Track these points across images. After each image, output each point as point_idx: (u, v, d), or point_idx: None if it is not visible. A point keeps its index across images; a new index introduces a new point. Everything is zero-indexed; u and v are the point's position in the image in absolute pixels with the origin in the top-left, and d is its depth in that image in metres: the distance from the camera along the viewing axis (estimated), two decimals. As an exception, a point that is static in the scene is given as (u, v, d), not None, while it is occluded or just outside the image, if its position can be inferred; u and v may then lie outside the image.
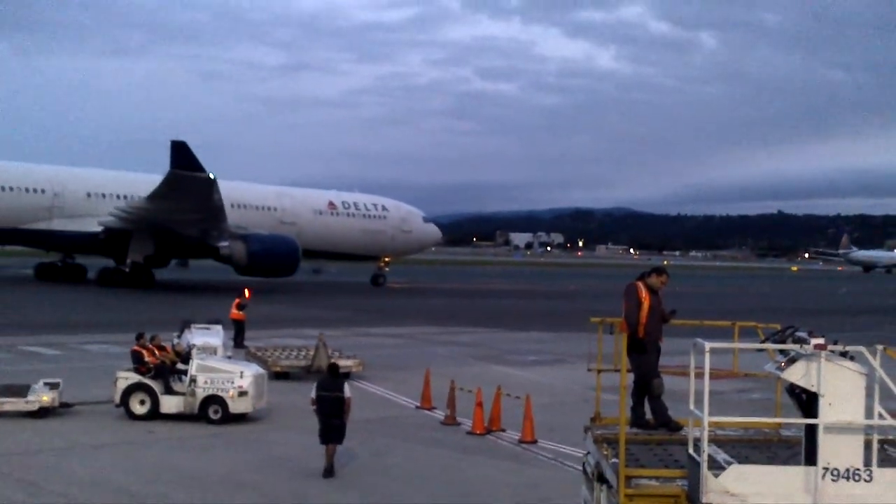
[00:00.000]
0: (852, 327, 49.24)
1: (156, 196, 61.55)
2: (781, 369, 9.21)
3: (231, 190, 68.89)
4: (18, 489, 16.08)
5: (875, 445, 9.03)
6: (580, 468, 13.04)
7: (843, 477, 8.72)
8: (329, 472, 17.94)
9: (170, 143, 57.82)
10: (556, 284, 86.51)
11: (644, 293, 13.48)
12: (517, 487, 17.78)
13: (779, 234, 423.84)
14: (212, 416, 21.94)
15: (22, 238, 69.40)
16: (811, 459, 8.88)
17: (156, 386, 22.22)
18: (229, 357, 25.64)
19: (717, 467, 9.17)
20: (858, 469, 8.75)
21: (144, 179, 66.68)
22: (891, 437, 10.76)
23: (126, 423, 21.72)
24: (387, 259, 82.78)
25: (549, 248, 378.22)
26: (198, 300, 56.19)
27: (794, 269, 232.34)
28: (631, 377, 12.98)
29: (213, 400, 22.02)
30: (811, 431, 8.99)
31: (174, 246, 68.88)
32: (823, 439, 8.71)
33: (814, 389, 8.85)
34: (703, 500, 8.79)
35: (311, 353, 29.55)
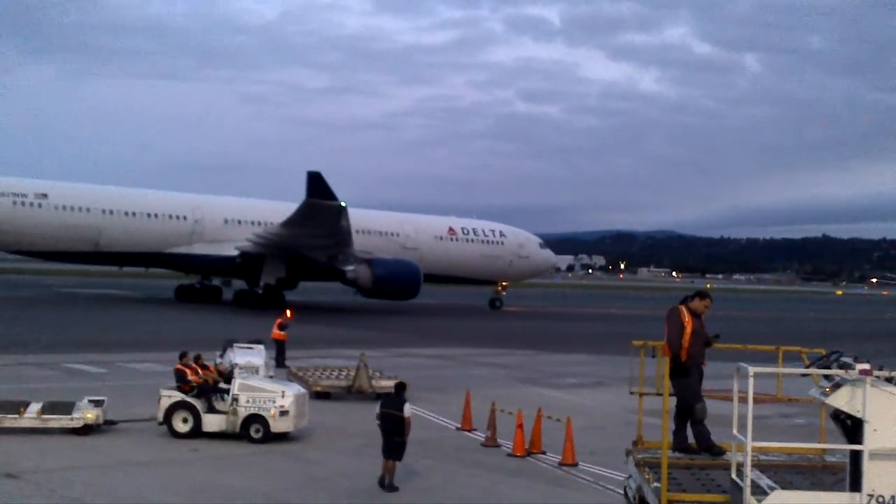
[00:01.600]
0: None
1: (290, 223, 64.61)
2: (826, 394, 9.14)
3: (357, 216, 71.07)
4: (63, 505, 16.24)
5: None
6: (621, 492, 13.00)
7: (888, 504, 8.62)
8: (382, 482, 18.21)
9: (306, 174, 60.63)
10: (597, 307, 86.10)
11: (687, 317, 13.43)
12: (558, 510, 17.68)
13: (823, 257, 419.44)
14: (253, 434, 22.05)
15: (165, 261, 73.00)
16: (856, 486, 8.79)
17: (198, 404, 22.37)
18: (271, 376, 25.82)
19: (760, 493, 9.10)
20: (904, 496, 8.64)
21: (275, 207, 70.12)
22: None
23: (169, 441, 21.88)
24: (504, 284, 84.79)
25: (590, 271, 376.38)
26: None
27: (839, 292, 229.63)
28: (673, 401, 12.92)
29: (255, 419, 22.13)
30: (856, 457, 8.90)
31: (304, 270, 71.21)
32: (868, 466, 8.62)
33: (859, 415, 8.76)
34: (746, 526, 8.73)
35: (353, 373, 29.64)
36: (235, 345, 27.60)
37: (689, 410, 13.14)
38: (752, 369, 8.97)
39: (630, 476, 11.92)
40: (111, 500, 16.69)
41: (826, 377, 9.45)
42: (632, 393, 13.88)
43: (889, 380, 8.92)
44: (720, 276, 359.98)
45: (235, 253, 69.09)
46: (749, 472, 8.81)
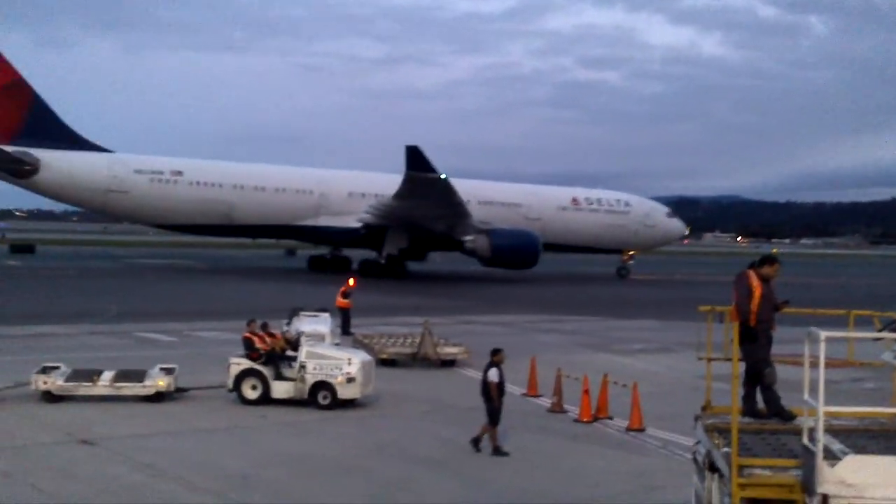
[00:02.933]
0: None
1: (399, 195, 66.82)
2: (899, 358, 9.00)
3: (479, 188, 78.70)
4: (136, 471, 16.59)
5: None
6: (690, 457, 12.92)
7: (964, 468, 8.48)
8: (475, 442, 18.72)
9: (405, 148, 62.31)
10: (662, 272, 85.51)
11: (755, 282, 13.27)
12: (625, 476, 17.67)
13: (892, 220, 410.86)
14: (321, 401, 22.31)
15: (294, 233, 77.11)
16: (931, 450, 8.66)
17: (267, 372, 22.67)
18: (337, 344, 26.03)
19: (832, 457, 8.99)
20: (981, 459, 8.49)
21: (396, 180, 70.67)
22: None
23: (238, 407, 22.24)
24: (631, 252, 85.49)
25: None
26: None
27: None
28: (742, 366, 12.80)
29: (323, 386, 22.38)
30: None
31: (425, 240, 73.74)
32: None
33: (934, 379, 8.62)
34: (819, 491, 8.63)
35: (417, 340, 29.79)
36: (302, 313, 27.85)
37: (758, 375, 13.01)
38: (823, 334, 8.85)
39: (699, 441, 11.83)
40: (183, 465, 17.01)
41: (899, 341, 9.31)
42: (700, 358, 13.78)
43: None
44: (787, 240, 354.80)
45: (359, 225, 72.01)
46: (821, 437, 8.71)
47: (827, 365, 8.91)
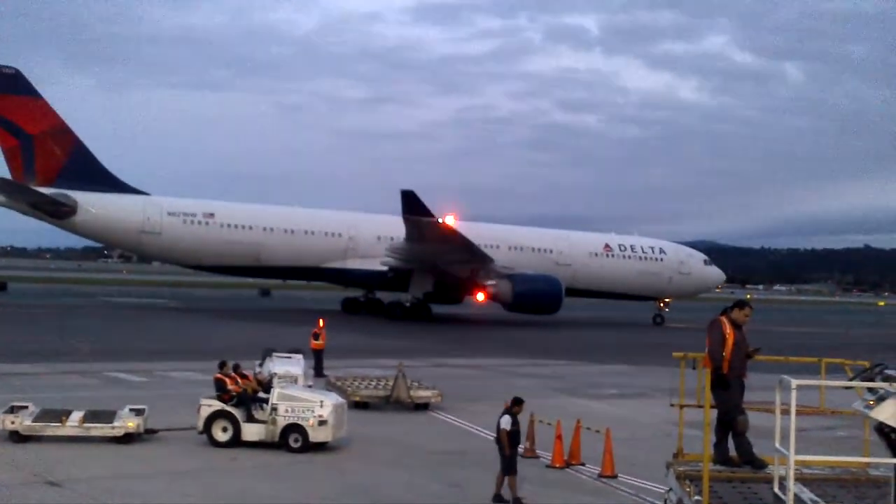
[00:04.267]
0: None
1: (408, 238, 67.79)
2: (870, 407, 9.02)
3: (509, 233, 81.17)
4: (104, 513, 16.36)
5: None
6: (661, 504, 12.88)
7: (934, 519, 8.49)
8: (517, 501, 18.20)
9: (400, 193, 62.92)
10: (637, 317, 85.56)
11: (728, 328, 13.36)
12: (597, 523, 17.58)
13: (865, 267, 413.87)
14: (292, 444, 22.12)
15: (323, 275, 78.08)
16: (901, 501, 8.66)
17: (238, 414, 22.48)
18: (310, 386, 25.89)
19: (803, 507, 8.99)
20: (951, 512, 8.50)
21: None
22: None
23: (209, 449, 22.00)
24: (666, 300, 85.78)
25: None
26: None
27: (881, 303, 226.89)
28: (714, 413, 12.82)
29: (294, 428, 22.20)
30: (901, 472, 8.77)
31: (448, 284, 74.32)
32: (914, 480, 8.50)
33: (904, 429, 8.64)
34: (789, 540, 8.62)
35: (391, 383, 29.66)
36: (275, 354, 27.73)
37: (730, 423, 13.04)
38: (794, 381, 8.88)
39: (670, 489, 11.81)
40: (151, 508, 16.78)
41: (870, 390, 9.33)
42: (672, 405, 13.80)
43: (935, 393, 8.77)
44: (760, 286, 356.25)
45: (386, 268, 73.15)
46: (792, 486, 8.71)
47: (799, 413, 8.92)
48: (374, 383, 30.93)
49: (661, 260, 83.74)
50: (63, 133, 69.46)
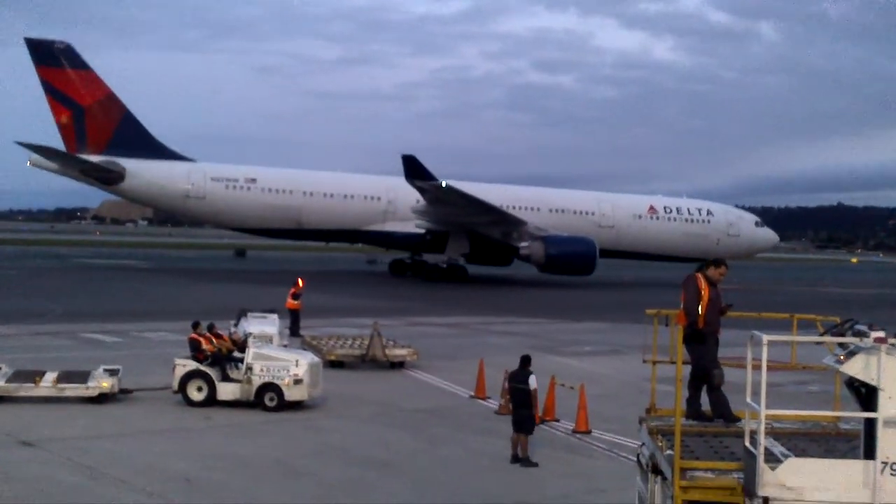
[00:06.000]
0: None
1: (431, 202, 69.97)
2: (840, 362, 9.08)
3: (550, 195, 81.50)
4: (78, 473, 16.35)
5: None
6: (634, 459, 12.98)
7: (902, 471, 8.58)
8: (516, 458, 18.37)
9: (401, 157, 64.94)
10: (612, 274, 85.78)
11: (704, 285, 13.45)
12: (569, 478, 17.76)
13: (838, 225, 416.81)
14: (267, 403, 22.15)
15: (363, 238, 79.48)
16: (870, 454, 8.75)
17: (213, 373, 22.48)
18: (285, 345, 25.89)
19: (773, 460, 9.07)
20: (919, 464, 8.60)
21: (461, 186, 71.61)
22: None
23: (184, 409, 22.01)
24: None
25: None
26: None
27: (854, 260, 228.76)
28: (687, 369, 12.90)
29: (269, 387, 22.22)
30: (870, 425, 8.85)
31: (482, 246, 75.44)
32: (883, 433, 8.58)
33: (873, 383, 8.71)
34: (760, 494, 8.69)
35: (366, 342, 29.69)
36: (250, 314, 27.70)
37: (705, 377, 13.14)
38: (766, 337, 8.92)
39: (643, 444, 11.89)
40: (126, 467, 16.79)
41: (841, 345, 9.39)
42: (645, 361, 13.87)
43: (904, 347, 8.84)
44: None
45: (423, 230, 74.39)
46: (763, 440, 8.77)
47: (770, 368, 8.97)
48: (349, 342, 30.99)
49: (709, 222, 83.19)
50: (112, 103, 72.16)
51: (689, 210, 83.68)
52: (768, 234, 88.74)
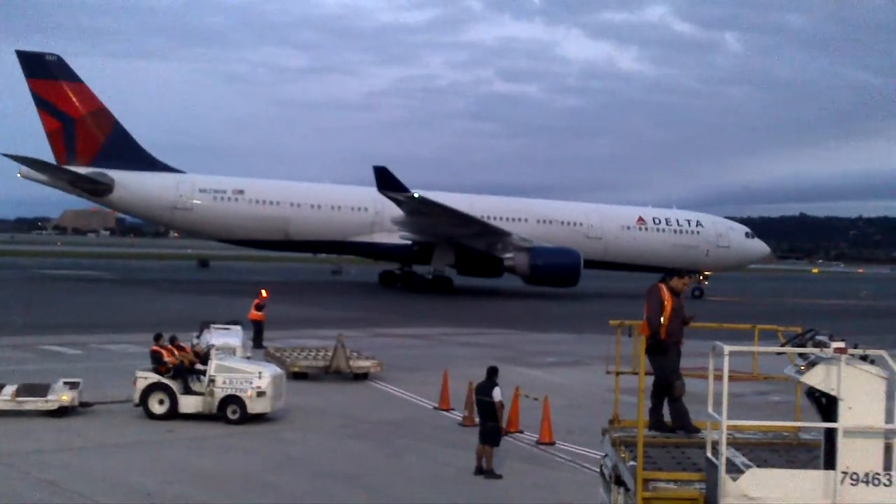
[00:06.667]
0: (873, 330, 48.90)
1: (409, 213, 70.06)
2: (801, 373, 9.15)
3: (537, 206, 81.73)
4: (37, 488, 16.16)
5: (895, 450, 8.94)
6: (597, 470, 13.01)
7: (862, 481, 8.66)
8: (480, 469, 18.30)
9: (373, 169, 65.02)
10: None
11: (667, 295, 13.52)
12: (533, 489, 17.76)
13: (800, 235, 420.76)
14: (230, 415, 21.99)
15: (350, 249, 79.59)
16: (830, 463, 8.82)
17: (175, 386, 22.29)
18: (248, 357, 25.72)
19: (735, 471, 9.11)
20: (878, 473, 8.68)
21: (451, 198, 72.82)
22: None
23: (145, 422, 21.80)
24: (706, 273, 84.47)
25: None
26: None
27: (815, 270, 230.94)
28: (649, 380, 12.94)
29: (232, 400, 22.06)
30: (831, 435, 8.92)
31: (467, 257, 75.39)
32: (843, 443, 8.65)
33: (834, 393, 8.78)
34: (721, 504, 8.73)
35: (330, 353, 29.58)
36: (212, 325, 27.51)
37: (667, 388, 13.20)
38: (727, 348, 8.97)
39: (606, 455, 11.92)
40: (86, 481, 16.60)
41: (801, 355, 9.46)
42: (608, 372, 13.92)
43: (864, 358, 8.93)
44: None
45: (409, 242, 74.49)
46: (724, 450, 8.82)
47: (731, 378, 9.02)
48: (313, 354, 30.86)
49: (698, 233, 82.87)
50: (102, 115, 72.56)
51: (678, 221, 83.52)
52: (759, 246, 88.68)
